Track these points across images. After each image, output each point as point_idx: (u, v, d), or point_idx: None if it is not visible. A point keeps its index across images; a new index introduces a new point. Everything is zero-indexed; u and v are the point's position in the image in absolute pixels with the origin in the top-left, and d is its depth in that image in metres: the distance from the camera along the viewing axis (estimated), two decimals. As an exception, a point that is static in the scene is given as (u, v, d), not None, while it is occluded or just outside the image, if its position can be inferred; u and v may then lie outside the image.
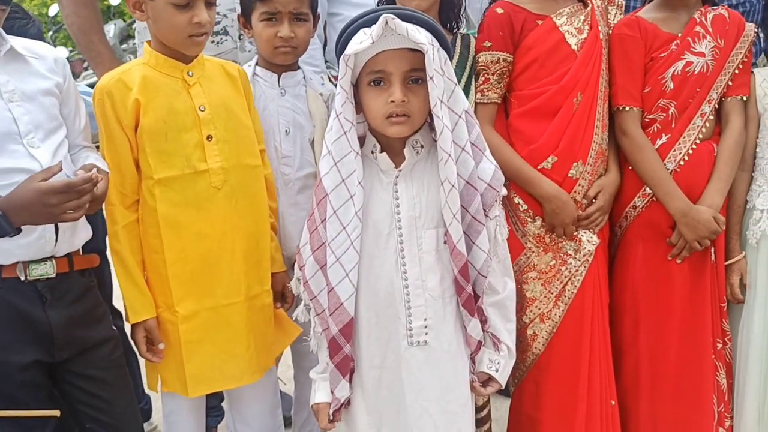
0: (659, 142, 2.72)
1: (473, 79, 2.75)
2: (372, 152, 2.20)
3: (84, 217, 2.21)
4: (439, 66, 2.05)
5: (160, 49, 2.38)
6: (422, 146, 2.18)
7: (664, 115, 2.71)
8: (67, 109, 2.32)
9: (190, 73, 2.40)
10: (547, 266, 2.70)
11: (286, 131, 2.75)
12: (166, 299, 2.41)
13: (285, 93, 2.77)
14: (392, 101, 2.07)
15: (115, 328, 2.42)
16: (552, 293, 2.69)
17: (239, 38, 3.04)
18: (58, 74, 2.29)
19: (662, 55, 2.71)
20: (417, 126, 2.15)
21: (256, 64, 2.81)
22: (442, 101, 2.05)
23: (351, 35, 2.09)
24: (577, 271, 2.68)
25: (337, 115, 2.11)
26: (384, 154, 2.17)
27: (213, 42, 3.03)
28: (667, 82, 2.69)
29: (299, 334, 2.69)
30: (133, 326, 2.41)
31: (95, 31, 3.04)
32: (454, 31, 2.82)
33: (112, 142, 2.34)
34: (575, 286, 2.68)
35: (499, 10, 2.71)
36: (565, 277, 2.69)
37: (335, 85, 2.24)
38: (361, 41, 2.02)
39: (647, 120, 2.74)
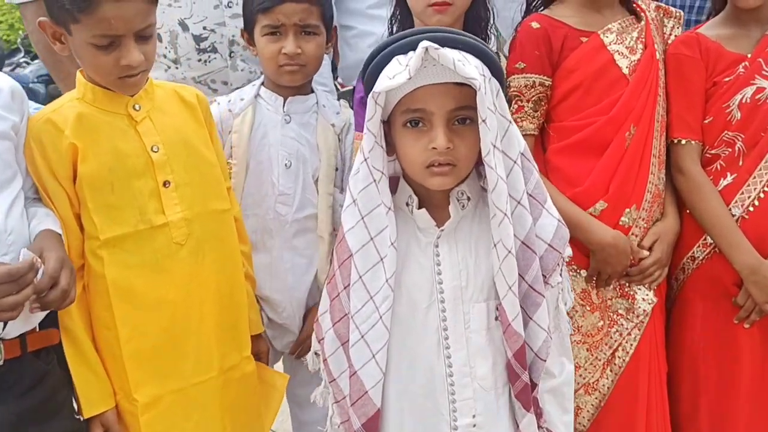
0: (723, 182, 2.30)
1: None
2: (407, 205, 1.79)
3: None
4: (491, 101, 1.65)
5: (95, 81, 1.95)
6: (468, 198, 1.78)
7: (730, 150, 2.30)
8: (21, 153, 1.90)
9: (137, 107, 1.97)
10: (594, 328, 2.30)
11: (286, 164, 2.37)
12: (122, 385, 1.97)
13: (290, 120, 2.39)
14: (434, 148, 1.67)
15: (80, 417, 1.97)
16: (599, 360, 2.30)
17: (230, 56, 2.62)
18: (15, 112, 1.86)
19: (727, 79, 2.31)
20: (463, 176, 1.75)
21: (262, 84, 2.43)
22: (495, 146, 1.65)
23: (381, 64, 1.69)
24: (629, 334, 2.29)
25: (365, 159, 1.70)
26: (423, 210, 1.76)
27: (200, 61, 2.63)
28: (734, 111, 2.29)
29: (287, 381, 2.37)
30: (88, 421, 1.96)
31: None
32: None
33: (46, 197, 1.92)
34: (627, 352, 2.30)
35: (535, 25, 2.30)
36: (615, 341, 2.29)
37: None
38: (395, 75, 1.62)
39: (709, 156, 2.34)
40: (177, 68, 2.64)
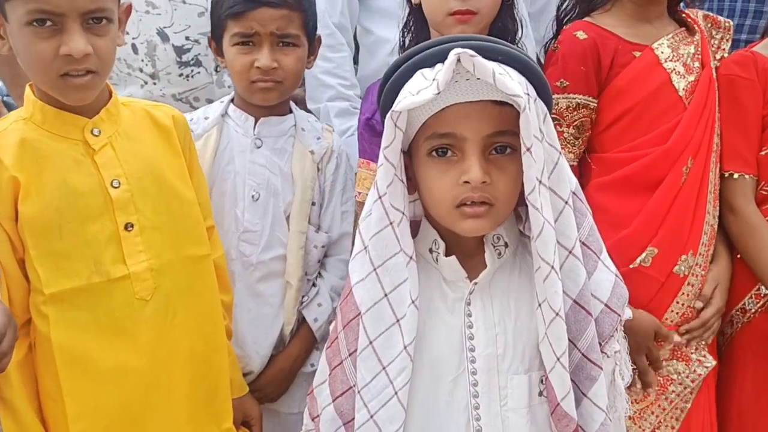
0: (781, 224, 2.02)
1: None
2: (431, 252, 1.44)
3: None
4: (537, 126, 1.30)
5: (46, 98, 1.62)
6: (506, 245, 1.43)
7: (790, 187, 2.02)
8: None
9: (96, 131, 1.63)
10: (641, 394, 1.95)
11: (253, 196, 2.03)
12: None
13: (261, 144, 2.05)
14: (466, 182, 1.32)
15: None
16: (644, 430, 1.94)
17: (216, 70, 2.30)
18: None
19: None
20: (503, 218, 1.40)
21: (231, 100, 2.09)
22: (541, 182, 1.31)
23: (402, 80, 1.34)
24: (682, 399, 1.96)
25: (380, 197, 1.36)
26: (452, 258, 1.41)
27: (181, 75, 2.30)
28: (795, 142, 1.99)
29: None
30: None
31: None
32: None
33: None
34: (677, 419, 1.97)
35: (582, 35, 1.96)
36: (663, 409, 1.96)
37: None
38: (419, 90, 1.27)
39: (765, 193, 2.02)
40: (155, 84, 2.34)
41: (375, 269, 1.38)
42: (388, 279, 1.38)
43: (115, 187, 1.62)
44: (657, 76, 1.94)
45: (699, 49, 2.00)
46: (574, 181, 1.41)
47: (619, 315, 1.42)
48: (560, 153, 1.37)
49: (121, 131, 1.67)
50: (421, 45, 1.36)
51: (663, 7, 2.00)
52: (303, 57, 2.04)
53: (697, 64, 1.98)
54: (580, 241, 1.39)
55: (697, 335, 1.96)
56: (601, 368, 1.39)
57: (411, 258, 1.37)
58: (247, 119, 2.05)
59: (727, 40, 2.12)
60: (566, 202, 1.37)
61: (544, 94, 1.37)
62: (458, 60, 1.25)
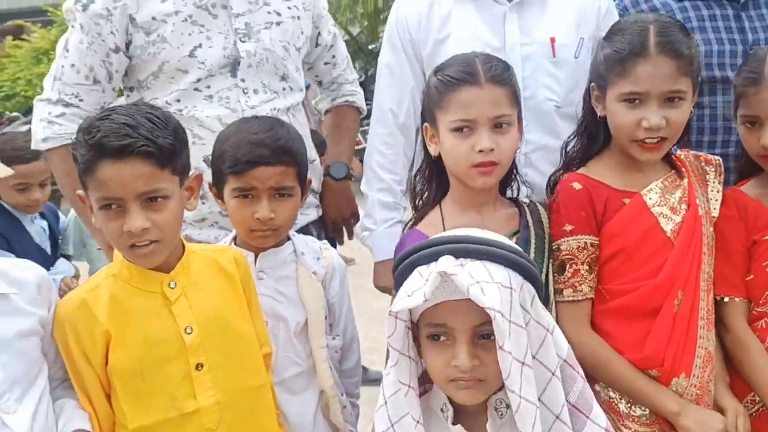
0: (772, 342, 2.11)
1: (552, 271, 2.12)
2: (442, 411, 1.59)
3: None
4: (520, 315, 1.46)
5: None
6: (507, 406, 1.56)
7: (776, 307, 2.11)
8: (48, 339, 1.78)
9: (172, 284, 1.82)
10: None
11: None
12: None
13: (264, 276, 2.15)
14: (456, 365, 1.50)
15: None
16: None
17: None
18: (42, 304, 1.76)
19: (766, 237, 2.13)
20: (494, 389, 1.55)
21: (234, 239, 2.21)
22: (524, 363, 1.45)
23: (404, 275, 1.54)
24: None
25: (395, 365, 1.53)
26: (459, 427, 1.56)
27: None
28: (774, 270, 2.09)
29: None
30: None
31: None
32: (515, 196, 2.21)
33: (78, 379, 1.79)
34: None
35: (577, 186, 2.09)
36: None
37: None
38: (414, 291, 1.46)
39: (755, 313, 2.14)
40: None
41: (392, 425, 1.55)
42: (403, 436, 1.54)
43: (188, 333, 1.81)
44: (645, 220, 2.06)
45: (686, 192, 2.10)
46: (565, 347, 1.55)
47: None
48: (548, 330, 1.51)
49: (192, 281, 1.85)
50: (416, 246, 1.54)
51: None
52: (297, 203, 2.14)
53: (684, 206, 2.08)
54: (570, 403, 1.53)
55: None
56: None
57: (418, 422, 1.52)
58: (247, 255, 2.11)
59: (719, 175, 2.20)
60: (553, 374, 1.51)
61: (531, 277, 1.52)
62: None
